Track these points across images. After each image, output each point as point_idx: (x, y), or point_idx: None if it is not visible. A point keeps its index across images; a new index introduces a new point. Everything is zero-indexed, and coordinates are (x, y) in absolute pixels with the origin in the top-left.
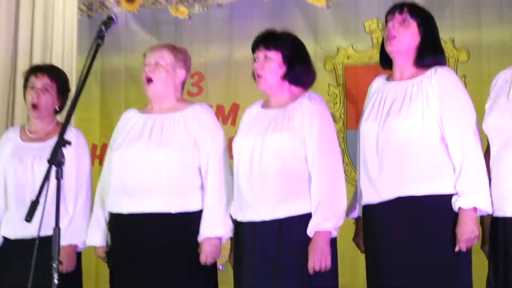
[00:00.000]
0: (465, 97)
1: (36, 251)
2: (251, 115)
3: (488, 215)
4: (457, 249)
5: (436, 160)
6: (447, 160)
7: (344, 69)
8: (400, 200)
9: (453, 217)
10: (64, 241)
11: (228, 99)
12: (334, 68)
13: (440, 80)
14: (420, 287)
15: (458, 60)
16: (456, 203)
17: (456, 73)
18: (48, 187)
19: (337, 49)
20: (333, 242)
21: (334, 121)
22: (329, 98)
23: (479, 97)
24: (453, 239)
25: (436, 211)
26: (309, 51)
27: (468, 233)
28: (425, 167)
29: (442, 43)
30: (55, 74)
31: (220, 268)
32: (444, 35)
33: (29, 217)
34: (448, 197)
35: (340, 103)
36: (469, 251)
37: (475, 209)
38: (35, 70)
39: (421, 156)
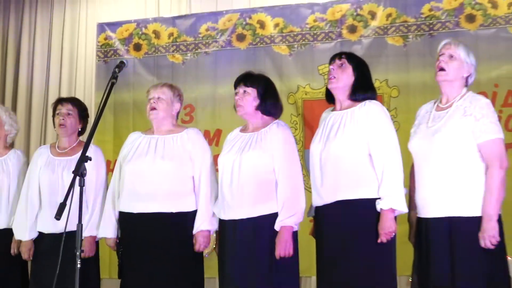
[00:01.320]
0: (388, 124)
1: (63, 242)
2: (232, 137)
3: (414, 214)
4: (379, 241)
5: (364, 172)
6: (373, 172)
7: (303, 102)
8: (338, 203)
9: (377, 216)
10: (85, 233)
11: (213, 126)
12: (295, 102)
13: (369, 110)
14: (353, 268)
15: (391, 96)
16: (378, 205)
17: (389, 106)
18: (73, 192)
19: (297, 87)
20: (294, 235)
21: (296, 142)
22: (292, 125)
23: (407, 125)
24: (377, 233)
25: (364, 211)
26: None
27: (387, 228)
28: (356, 177)
29: (378, 83)
30: (76, 103)
31: (206, 256)
32: (380, 77)
33: (58, 216)
34: (373, 201)
35: (299, 129)
36: (389, 242)
37: (392, 210)
38: (61, 100)
39: (352, 169)
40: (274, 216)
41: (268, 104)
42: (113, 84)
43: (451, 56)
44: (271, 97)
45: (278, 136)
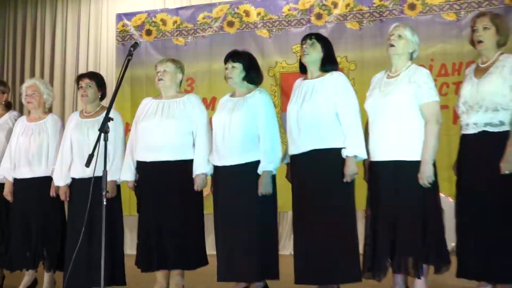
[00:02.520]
0: (350, 90)
1: (92, 185)
2: (224, 101)
3: (367, 159)
4: (344, 180)
5: (332, 127)
6: (339, 127)
7: (280, 75)
8: (312, 151)
9: (343, 161)
10: (109, 178)
11: (209, 94)
12: (274, 75)
13: (335, 79)
14: (324, 203)
15: (349, 69)
16: (344, 153)
17: (348, 77)
18: (99, 146)
19: (276, 63)
20: (273, 177)
21: (274, 106)
22: (271, 93)
23: (362, 91)
24: (343, 175)
25: (333, 158)
26: (259, 64)
27: (351, 171)
28: (326, 131)
29: (339, 59)
30: (93, 76)
31: (205, 196)
32: (341, 54)
33: (87, 164)
34: (340, 150)
35: (278, 96)
36: (352, 182)
37: (355, 156)
38: (80, 76)
39: (323, 124)
40: (257, 162)
41: (252, 75)
42: (129, 60)
43: (399, 36)
44: (254, 69)
45: (260, 100)
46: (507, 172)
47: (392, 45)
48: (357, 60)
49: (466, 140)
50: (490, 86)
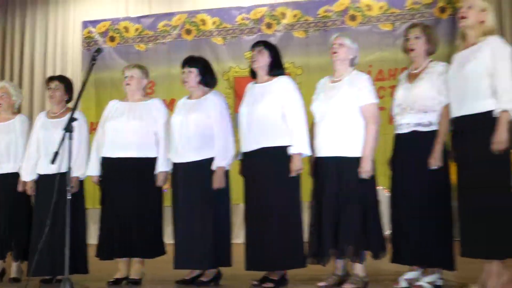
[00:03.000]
0: (296, 93)
1: (57, 181)
2: (181, 103)
3: (313, 155)
4: (291, 175)
5: (280, 127)
6: (286, 127)
7: (234, 79)
8: (261, 149)
9: (289, 158)
10: (73, 174)
11: (168, 96)
12: (228, 78)
13: (283, 83)
14: (272, 196)
15: (296, 74)
16: (291, 150)
17: (295, 81)
18: (63, 144)
19: (230, 68)
20: (227, 173)
21: (228, 107)
22: (226, 95)
23: (308, 95)
24: (289, 170)
25: (281, 155)
26: (214, 69)
27: (296, 166)
28: (274, 131)
29: (287, 64)
30: (62, 79)
31: (165, 190)
32: (289, 60)
33: (53, 161)
34: (287, 147)
35: (231, 98)
36: (298, 176)
37: (300, 153)
38: (50, 78)
39: (271, 124)
40: (212, 159)
41: (207, 79)
42: (93, 64)
43: (340, 44)
44: (209, 73)
45: (214, 102)
46: (434, 167)
47: (335, 53)
48: (303, 66)
49: (400, 139)
50: (420, 90)
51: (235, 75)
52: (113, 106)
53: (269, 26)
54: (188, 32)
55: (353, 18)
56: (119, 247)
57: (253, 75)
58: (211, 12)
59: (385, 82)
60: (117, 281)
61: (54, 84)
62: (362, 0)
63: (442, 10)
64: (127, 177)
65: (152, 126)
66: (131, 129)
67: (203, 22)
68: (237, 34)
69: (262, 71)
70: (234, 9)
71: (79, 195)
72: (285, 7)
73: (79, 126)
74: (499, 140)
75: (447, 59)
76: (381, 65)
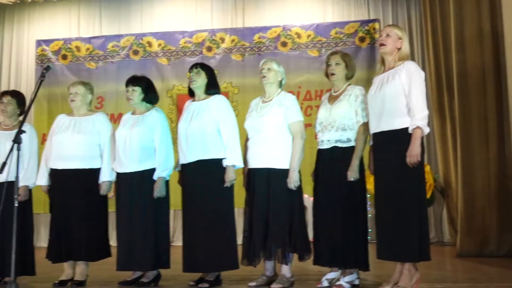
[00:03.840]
0: (230, 110)
1: (5, 189)
2: (126, 118)
3: (246, 167)
4: (224, 185)
5: (215, 141)
6: (221, 141)
7: (176, 96)
8: (198, 161)
9: (223, 170)
10: (21, 183)
11: (116, 111)
12: (172, 96)
13: (217, 101)
14: (208, 204)
15: (234, 93)
16: (225, 163)
17: (233, 99)
18: (12, 155)
19: (173, 86)
20: (167, 182)
21: (172, 121)
22: (169, 111)
23: (244, 112)
24: (223, 181)
25: (216, 167)
26: (158, 87)
27: (230, 177)
28: (210, 144)
29: (226, 84)
30: (14, 94)
31: (111, 197)
32: (227, 80)
33: (1, 170)
34: (221, 160)
35: (174, 113)
36: (231, 186)
37: (233, 165)
38: (3, 93)
39: (207, 139)
40: (153, 170)
41: (149, 97)
42: (42, 81)
43: (269, 69)
44: (151, 91)
45: (156, 117)
46: (352, 179)
47: (264, 77)
48: (240, 86)
49: (321, 153)
50: (340, 110)
51: (178, 92)
52: (60, 120)
53: (209, 49)
54: (136, 52)
55: (284, 44)
56: (66, 251)
57: (191, 93)
58: (156, 35)
59: (312, 102)
60: (62, 283)
61: (7, 98)
62: (293, 28)
63: (362, 39)
64: (72, 186)
65: (96, 139)
66: (75, 142)
67: (150, 44)
68: (181, 55)
69: (199, 90)
70: (178, 33)
71: (27, 203)
72: (224, 33)
73: (29, 138)
74: (412, 154)
75: (366, 83)
76: (308, 87)
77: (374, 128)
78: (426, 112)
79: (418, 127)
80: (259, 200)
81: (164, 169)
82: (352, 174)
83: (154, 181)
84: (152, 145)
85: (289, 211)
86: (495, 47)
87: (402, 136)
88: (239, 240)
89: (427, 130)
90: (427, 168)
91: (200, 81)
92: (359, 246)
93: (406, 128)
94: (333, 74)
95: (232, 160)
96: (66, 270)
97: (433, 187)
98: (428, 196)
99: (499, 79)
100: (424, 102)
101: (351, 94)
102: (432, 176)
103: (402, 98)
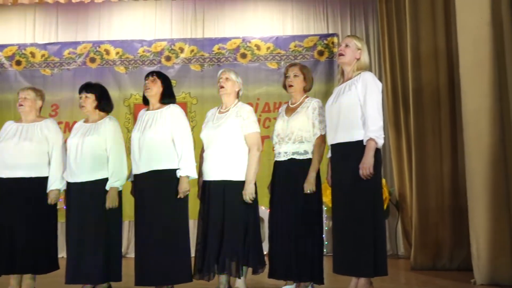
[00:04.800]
0: (184, 120)
1: None
2: (78, 126)
3: (201, 178)
4: (178, 197)
5: (169, 152)
6: (175, 151)
7: (134, 105)
8: (152, 172)
9: (177, 180)
10: None
11: (71, 119)
12: (129, 105)
13: (172, 110)
14: (160, 215)
15: (192, 103)
16: (179, 173)
17: (191, 110)
18: None
19: (130, 95)
20: (120, 192)
21: (128, 131)
22: (126, 120)
23: (201, 122)
24: (177, 192)
25: (170, 178)
26: (116, 96)
27: (184, 188)
28: (163, 154)
29: (184, 94)
30: None
31: (64, 207)
32: (186, 90)
33: None
34: (175, 170)
35: (131, 123)
36: (185, 197)
37: (188, 176)
38: None
39: (161, 149)
40: (105, 180)
41: (103, 104)
42: None
43: (227, 79)
44: (105, 99)
45: (109, 126)
46: (308, 191)
47: (222, 87)
48: (198, 96)
49: (278, 166)
50: (297, 122)
51: (135, 102)
52: (7, 127)
53: (168, 59)
54: (93, 60)
55: (244, 56)
56: (10, 264)
57: (146, 102)
58: (114, 43)
59: (270, 114)
60: None
61: None
62: (252, 40)
63: (321, 53)
64: (18, 196)
65: (45, 146)
66: (22, 150)
67: (107, 52)
68: (139, 64)
69: (154, 99)
70: (136, 41)
71: None
72: (183, 42)
73: None
74: (365, 166)
75: (324, 96)
76: (267, 99)
77: (331, 140)
78: (380, 123)
79: (371, 139)
80: (213, 212)
81: (117, 179)
82: (309, 187)
83: (106, 192)
84: (104, 154)
85: (244, 224)
86: (449, 65)
87: (357, 149)
88: (193, 252)
89: (381, 142)
90: (383, 182)
91: (155, 89)
92: (314, 259)
93: (361, 141)
94: (291, 85)
95: (186, 170)
96: (12, 283)
97: (388, 200)
98: (383, 209)
99: (453, 96)
100: (379, 113)
101: (309, 106)
102: (387, 189)
103: (357, 110)
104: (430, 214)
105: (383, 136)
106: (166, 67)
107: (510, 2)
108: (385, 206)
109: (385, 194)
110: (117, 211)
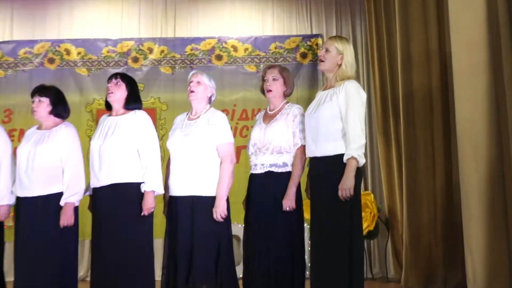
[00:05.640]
0: (152, 129)
1: None
2: (29, 133)
3: (167, 194)
4: (142, 214)
5: (133, 163)
6: (139, 163)
7: (97, 111)
8: (113, 185)
9: (142, 196)
10: None
11: (27, 125)
12: (91, 111)
13: (137, 117)
14: (121, 235)
15: (161, 109)
16: (143, 188)
17: (160, 116)
18: None
19: (93, 100)
20: (76, 208)
21: (90, 140)
22: (88, 127)
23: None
24: (141, 209)
25: (133, 192)
26: (76, 101)
27: (149, 204)
28: (127, 166)
29: (153, 99)
30: None
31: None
32: (154, 95)
33: None
34: (139, 184)
35: (93, 131)
36: (150, 214)
37: (153, 191)
38: None
39: (124, 160)
40: (60, 194)
41: (59, 109)
42: None
43: (198, 82)
44: (61, 104)
45: (65, 133)
46: (287, 208)
47: (192, 91)
48: (168, 101)
49: (254, 179)
50: (276, 131)
51: (98, 107)
52: None
53: (135, 60)
54: (51, 61)
55: (219, 57)
56: None
57: (109, 107)
58: (76, 42)
59: (248, 122)
60: None
61: None
62: (229, 41)
63: (304, 55)
64: None
65: None
66: None
67: (68, 51)
68: (103, 66)
69: (117, 104)
70: (100, 41)
71: None
72: (152, 42)
73: None
74: (345, 187)
75: (307, 103)
76: (245, 105)
77: (309, 152)
78: (362, 141)
79: (353, 157)
80: (181, 231)
81: (73, 194)
82: (288, 203)
83: (61, 207)
84: (59, 165)
85: (215, 244)
86: (442, 68)
87: (335, 164)
88: (158, 275)
89: (362, 161)
90: (371, 197)
91: (118, 93)
92: (295, 284)
93: (340, 155)
94: (270, 90)
95: (152, 185)
96: None
97: (377, 218)
98: (371, 228)
99: (447, 102)
100: (361, 128)
101: (289, 113)
102: (376, 205)
103: (337, 122)
104: (422, 232)
105: (363, 152)
106: (133, 69)
107: (507, 1)
108: (373, 225)
109: (374, 211)
110: (73, 229)
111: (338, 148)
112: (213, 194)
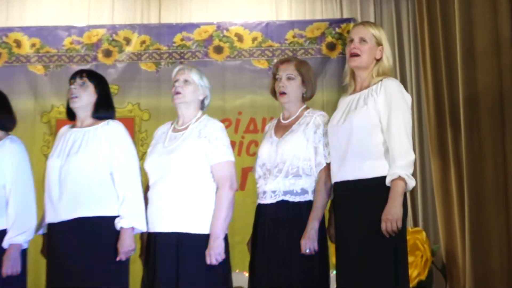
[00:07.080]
0: (129, 147)
1: None
2: None
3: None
4: (118, 259)
5: (105, 191)
6: (114, 191)
7: (56, 122)
8: (78, 220)
9: (117, 234)
10: None
11: None
12: (49, 121)
13: (111, 129)
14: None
15: (142, 119)
16: (119, 224)
17: (141, 128)
18: None
19: (52, 107)
20: (24, 252)
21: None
22: (44, 143)
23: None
24: (116, 251)
25: (103, 230)
26: (29, 107)
27: (127, 246)
28: (95, 195)
29: (130, 106)
30: None
31: None
32: (133, 100)
33: None
34: (113, 219)
35: (51, 147)
36: (127, 260)
37: (132, 228)
38: None
39: (93, 186)
40: (3, 233)
41: (1, 119)
42: None
43: (186, 81)
44: (4, 112)
45: (10, 152)
46: (307, 251)
47: (178, 93)
48: (151, 109)
49: (263, 211)
50: (291, 147)
51: (58, 116)
52: None
53: (108, 54)
54: None
55: (219, 50)
56: None
57: (71, 116)
58: (29, 31)
59: (257, 135)
60: None
61: None
62: (232, 28)
63: (332, 46)
64: None
65: None
66: None
67: (18, 43)
68: (65, 62)
69: (83, 112)
70: (61, 29)
71: None
72: (130, 30)
73: None
74: (390, 217)
75: (333, 109)
76: (253, 113)
77: (335, 176)
78: (412, 156)
79: (400, 178)
80: (163, 279)
81: (20, 232)
82: (308, 244)
83: (4, 250)
84: (2, 194)
85: None
86: None
87: (374, 189)
88: None
89: (412, 183)
90: (422, 236)
91: (85, 97)
92: None
93: (382, 178)
94: (283, 93)
95: (130, 220)
96: None
97: (430, 264)
98: (423, 277)
99: None
100: (409, 141)
101: (309, 122)
102: (429, 247)
103: (376, 134)
104: (492, 283)
105: (412, 171)
106: (105, 66)
107: None
108: (425, 273)
109: (426, 254)
110: (20, 280)
111: (379, 168)
112: (206, 231)
